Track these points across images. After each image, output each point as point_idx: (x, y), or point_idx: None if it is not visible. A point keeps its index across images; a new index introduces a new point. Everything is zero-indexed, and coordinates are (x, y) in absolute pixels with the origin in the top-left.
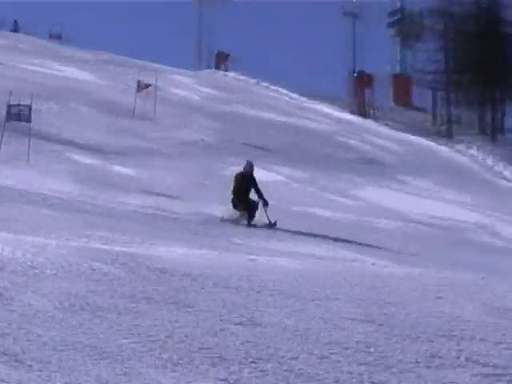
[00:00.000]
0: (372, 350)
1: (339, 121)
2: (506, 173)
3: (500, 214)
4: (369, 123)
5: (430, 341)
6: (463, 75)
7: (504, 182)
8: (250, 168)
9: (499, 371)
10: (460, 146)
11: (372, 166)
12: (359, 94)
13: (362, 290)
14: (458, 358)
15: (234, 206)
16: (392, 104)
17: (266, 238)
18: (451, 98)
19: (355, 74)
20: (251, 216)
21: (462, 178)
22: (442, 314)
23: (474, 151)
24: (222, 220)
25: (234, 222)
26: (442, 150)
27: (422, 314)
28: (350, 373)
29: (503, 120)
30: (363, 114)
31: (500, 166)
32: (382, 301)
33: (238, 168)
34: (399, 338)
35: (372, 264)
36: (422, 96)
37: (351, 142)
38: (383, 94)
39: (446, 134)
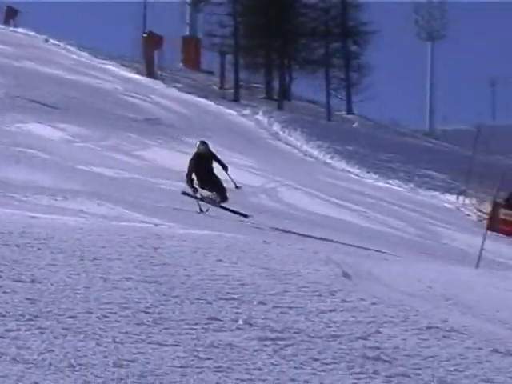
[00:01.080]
0: (151, 310)
1: (128, 81)
2: (291, 138)
3: (283, 179)
4: (157, 84)
5: (209, 303)
6: (251, 40)
7: (289, 148)
8: (205, 146)
9: (276, 335)
10: (246, 111)
11: (158, 127)
12: (148, 54)
13: (143, 250)
14: (236, 320)
15: (196, 190)
16: (181, 66)
17: (52, 196)
18: (239, 62)
19: (145, 35)
20: (224, 198)
21: (248, 143)
22: (221, 277)
23: (260, 116)
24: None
25: (212, 202)
26: (229, 113)
27: (202, 276)
28: (128, 332)
29: (290, 86)
30: (152, 74)
31: (285, 132)
32: (162, 262)
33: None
34: (178, 299)
35: (155, 225)
36: (210, 59)
37: (139, 102)
38: (172, 55)
39: (233, 97)
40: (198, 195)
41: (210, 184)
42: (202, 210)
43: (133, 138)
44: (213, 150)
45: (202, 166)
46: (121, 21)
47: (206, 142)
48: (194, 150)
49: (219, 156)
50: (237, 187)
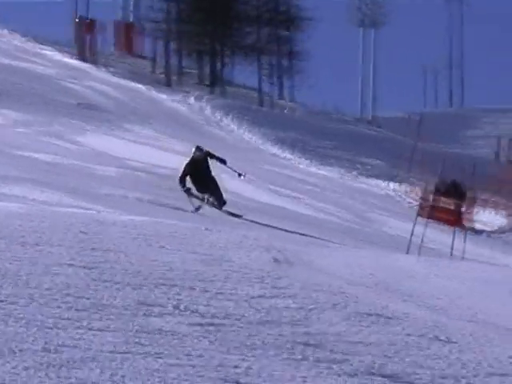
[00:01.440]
0: (91, 296)
1: (62, 65)
2: (223, 124)
3: (214, 164)
4: (90, 69)
5: (151, 289)
6: (184, 25)
7: (221, 133)
8: (201, 151)
9: (206, 320)
10: (179, 96)
11: (93, 112)
12: (81, 39)
13: (85, 236)
14: (166, 306)
15: (189, 189)
16: (114, 50)
17: None
18: (172, 47)
19: (77, 19)
20: (222, 202)
21: (181, 128)
22: (162, 263)
23: (192, 101)
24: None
25: (210, 204)
26: (162, 98)
27: (143, 263)
28: (70, 319)
29: (222, 71)
30: (85, 59)
31: (218, 117)
32: (104, 248)
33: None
34: (120, 285)
35: (97, 211)
36: (144, 43)
37: (73, 86)
38: (105, 39)
39: (166, 82)
40: (191, 194)
41: (207, 188)
42: (196, 209)
43: (68, 123)
44: (207, 149)
45: (198, 170)
46: (55, 5)
47: (202, 147)
48: (190, 155)
49: (215, 153)
50: (240, 175)
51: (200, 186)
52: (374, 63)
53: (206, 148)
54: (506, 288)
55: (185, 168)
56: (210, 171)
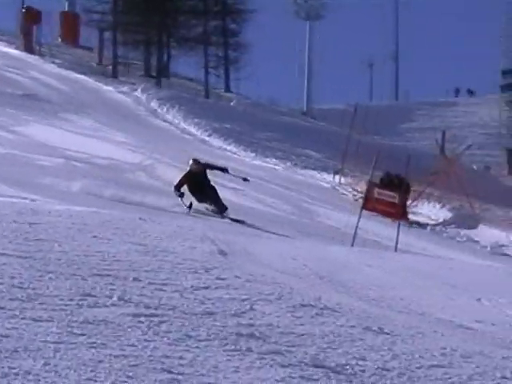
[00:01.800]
0: (25, 286)
1: (5, 56)
2: (169, 116)
3: (161, 157)
4: (35, 59)
5: (84, 279)
6: (130, 16)
7: (167, 125)
8: (198, 165)
9: (151, 311)
10: (125, 87)
11: (36, 103)
12: (26, 29)
13: (18, 225)
14: (111, 297)
15: (182, 194)
16: (59, 41)
17: None
18: (118, 38)
19: (23, 10)
20: (223, 208)
21: (126, 119)
22: (97, 253)
23: (138, 93)
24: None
25: (212, 212)
26: (107, 90)
27: (77, 252)
28: (2, 308)
29: (168, 63)
30: (30, 50)
31: (163, 109)
32: (37, 237)
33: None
34: (53, 275)
35: (31, 200)
36: (89, 35)
37: (17, 77)
38: (51, 30)
39: (112, 74)
40: (184, 198)
41: (207, 197)
42: (189, 207)
43: (10, 113)
44: (204, 162)
45: (196, 182)
46: None
47: (199, 160)
48: (187, 168)
49: (213, 163)
50: (244, 180)
51: (200, 195)
52: (309, 56)
53: (203, 160)
54: (439, 279)
55: (181, 179)
56: (209, 180)
